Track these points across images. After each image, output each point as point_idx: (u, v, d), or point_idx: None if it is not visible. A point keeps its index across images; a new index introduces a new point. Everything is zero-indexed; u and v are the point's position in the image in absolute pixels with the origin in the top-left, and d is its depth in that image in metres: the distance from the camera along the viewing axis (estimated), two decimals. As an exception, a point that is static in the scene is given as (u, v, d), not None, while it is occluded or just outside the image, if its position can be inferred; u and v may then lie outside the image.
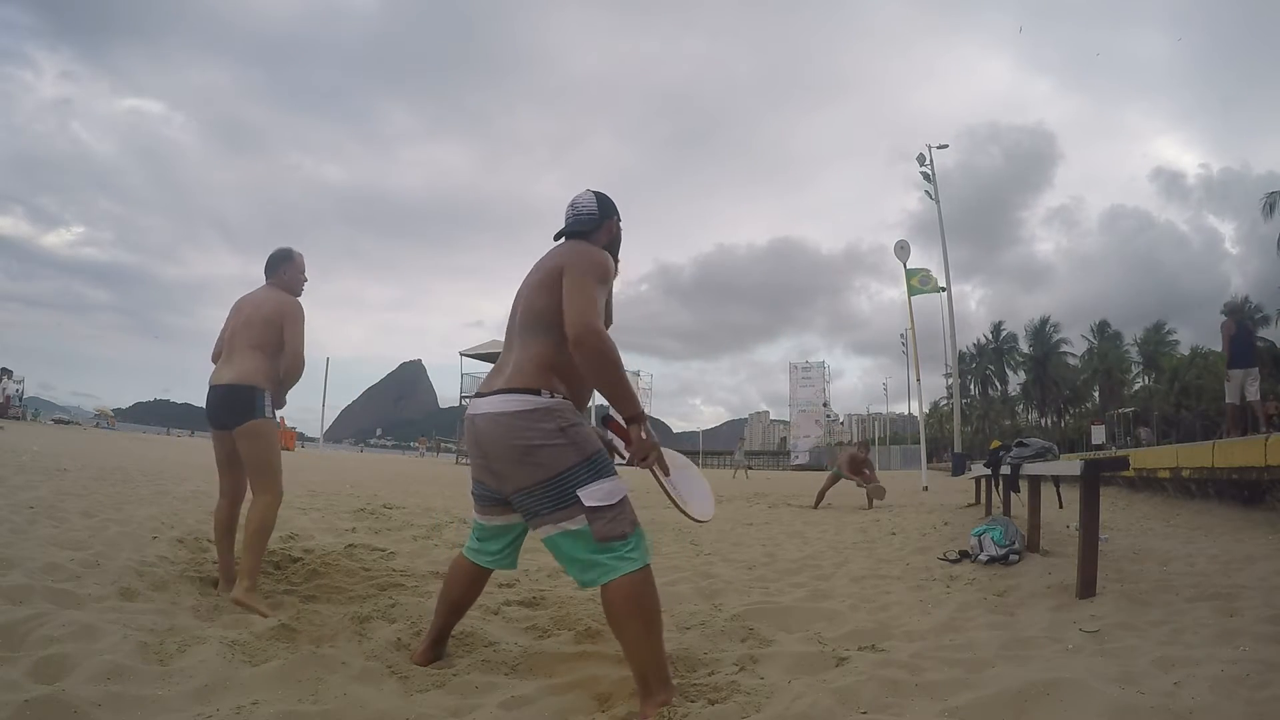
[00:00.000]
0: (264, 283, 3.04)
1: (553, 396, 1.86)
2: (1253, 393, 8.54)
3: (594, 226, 2.11)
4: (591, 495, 1.79)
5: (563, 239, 2.11)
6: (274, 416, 2.86)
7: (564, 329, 1.83)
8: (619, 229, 2.18)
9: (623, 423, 1.90)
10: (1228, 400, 8.78)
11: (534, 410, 1.83)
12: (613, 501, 1.81)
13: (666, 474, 1.94)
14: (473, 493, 2.07)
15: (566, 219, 2.13)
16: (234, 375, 2.79)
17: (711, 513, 2.11)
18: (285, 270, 3.05)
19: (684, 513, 1.96)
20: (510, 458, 1.84)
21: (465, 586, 2.16)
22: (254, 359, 2.83)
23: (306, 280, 3.12)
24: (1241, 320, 9.42)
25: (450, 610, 2.17)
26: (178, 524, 4.05)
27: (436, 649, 2.15)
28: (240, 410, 2.77)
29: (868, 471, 9.35)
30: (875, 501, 8.85)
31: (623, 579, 1.75)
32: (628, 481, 1.89)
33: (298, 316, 2.92)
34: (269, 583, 3.02)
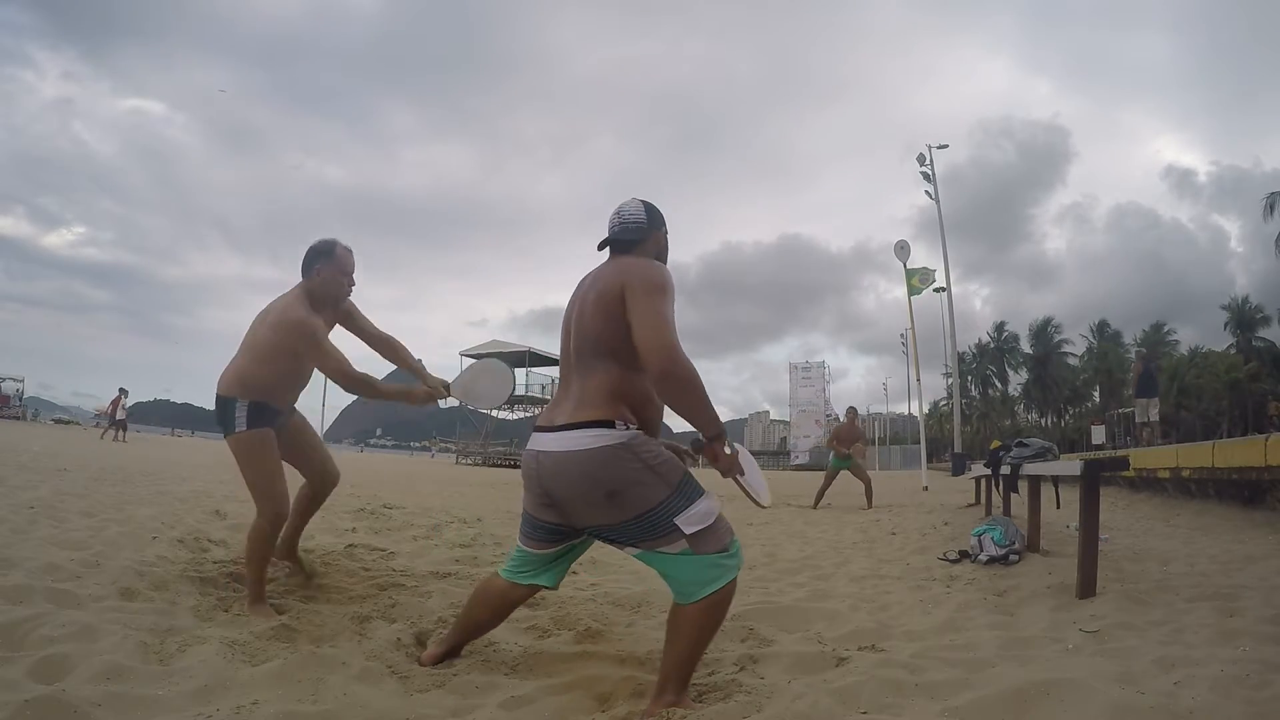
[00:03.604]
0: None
1: (627, 428, 1.76)
2: (1153, 415, 12.85)
3: (642, 238, 1.97)
4: (690, 521, 1.73)
5: (606, 249, 2.00)
6: (254, 426, 2.51)
7: (629, 354, 1.74)
8: (666, 241, 2.05)
9: (707, 442, 1.81)
10: (1137, 420, 13.25)
11: (613, 446, 1.73)
12: (711, 521, 1.76)
13: (743, 474, 1.91)
14: (526, 529, 1.96)
15: (611, 227, 1.99)
16: (218, 383, 2.54)
17: (769, 498, 2.11)
18: (321, 269, 2.50)
19: (757, 504, 2.00)
20: (589, 498, 1.75)
21: (495, 610, 2.08)
22: (237, 364, 2.52)
23: (353, 285, 2.59)
24: (1147, 363, 15.41)
25: (474, 630, 2.12)
26: (178, 524, 4.04)
27: (440, 661, 2.10)
28: (220, 423, 2.53)
29: (860, 444, 9.37)
30: (874, 502, 8.85)
31: (726, 590, 1.74)
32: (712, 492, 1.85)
33: (307, 341, 2.41)
34: (268, 583, 3.02)
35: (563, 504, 1.81)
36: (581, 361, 1.84)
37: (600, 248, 2.01)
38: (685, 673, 1.76)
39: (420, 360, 2.83)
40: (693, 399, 1.69)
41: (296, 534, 2.96)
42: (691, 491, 1.77)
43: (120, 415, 20.08)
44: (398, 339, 2.78)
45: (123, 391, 21.04)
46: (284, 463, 2.64)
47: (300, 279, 2.55)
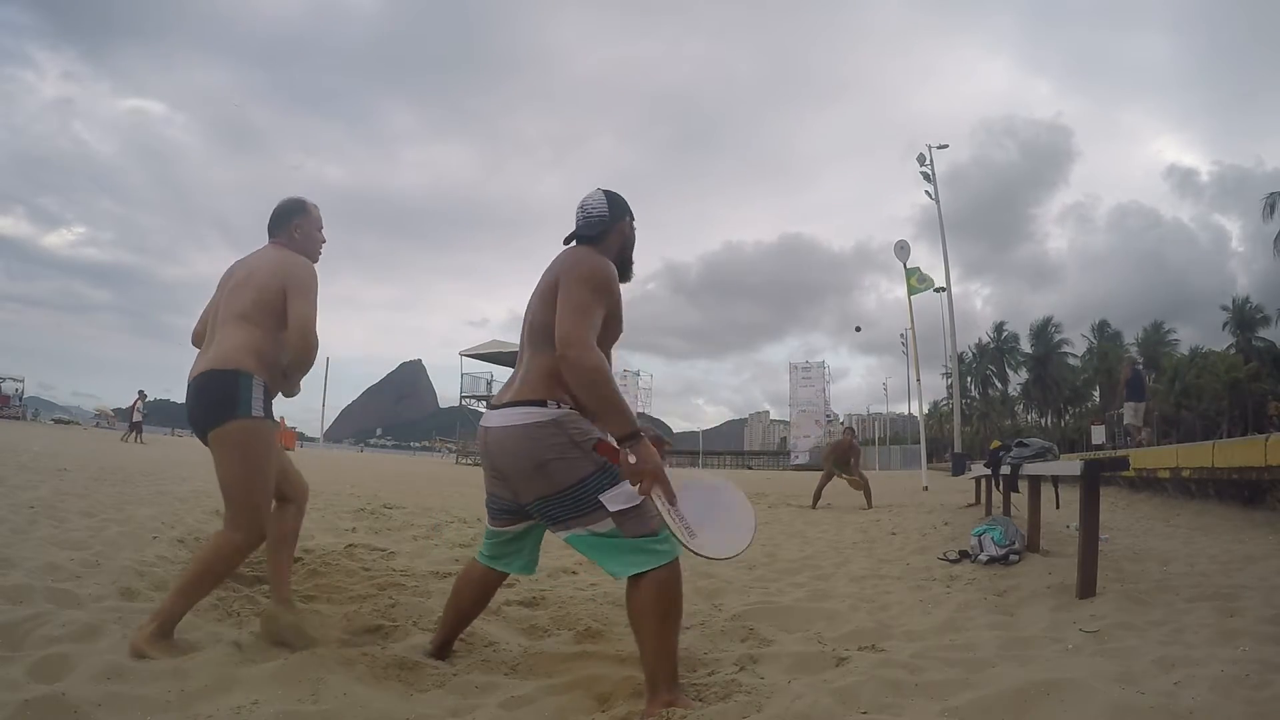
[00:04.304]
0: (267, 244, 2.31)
1: (559, 407, 1.84)
2: (1140, 418, 13.48)
3: (604, 229, 2.01)
4: (614, 499, 1.79)
5: (572, 242, 2.04)
6: (266, 414, 2.10)
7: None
8: (632, 230, 2.08)
9: (614, 444, 1.78)
10: (1127, 421, 13.88)
11: (543, 423, 1.82)
12: (636, 502, 1.79)
13: (672, 501, 1.74)
14: (487, 505, 2.06)
15: (576, 221, 2.03)
16: (211, 358, 2.07)
17: (731, 550, 1.80)
18: (300, 225, 2.32)
19: (684, 545, 1.70)
20: (523, 471, 1.84)
21: (476, 594, 2.15)
22: (240, 334, 2.09)
23: (325, 240, 2.42)
24: (1135, 367, 15.12)
25: (458, 618, 2.16)
26: (178, 524, 4.05)
27: (441, 653, 2.14)
28: (217, 404, 2.03)
29: (853, 461, 9.36)
30: (873, 502, 8.85)
31: (653, 573, 1.75)
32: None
33: (308, 281, 2.18)
34: (268, 583, 3.02)
35: (506, 477, 1.90)
36: (529, 347, 1.95)
37: (566, 242, 2.06)
38: (667, 667, 1.75)
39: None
40: (596, 393, 1.75)
41: (289, 567, 2.46)
42: (617, 472, 1.80)
43: (137, 417, 20.31)
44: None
45: (141, 394, 21.31)
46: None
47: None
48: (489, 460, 1.94)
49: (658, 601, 1.75)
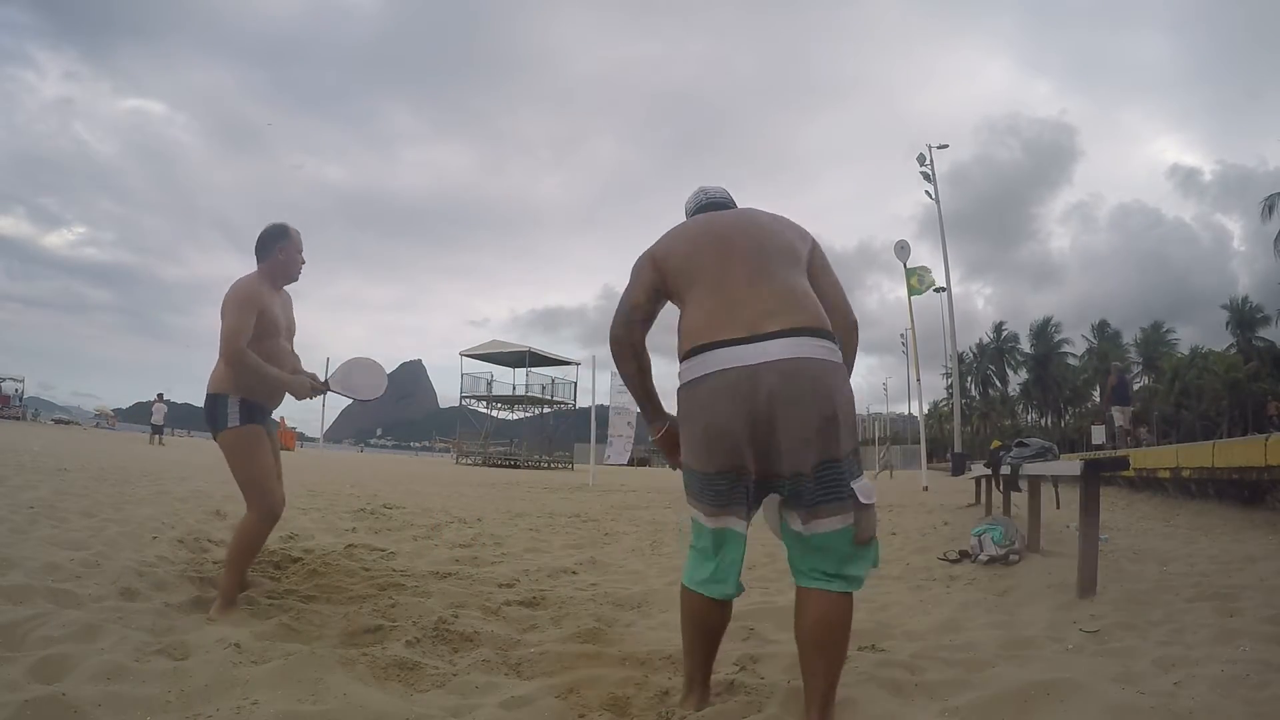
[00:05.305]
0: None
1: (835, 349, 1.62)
2: (1125, 421, 13.95)
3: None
4: (864, 491, 1.56)
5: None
6: (245, 421, 2.51)
7: (805, 275, 1.72)
8: None
9: None
10: (1116, 424, 14.13)
11: (839, 365, 1.58)
12: (874, 500, 1.60)
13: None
14: (720, 495, 1.62)
15: (706, 195, 2.01)
16: (209, 382, 2.53)
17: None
18: (283, 249, 2.58)
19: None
20: (813, 422, 1.50)
21: (721, 623, 1.75)
22: (219, 361, 2.49)
23: (304, 262, 2.66)
24: (1121, 374, 15.48)
25: (711, 647, 1.77)
26: (178, 524, 4.05)
27: (704, 696, 1.77)
28: (210, 422, 2.52)
29: None
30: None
31: (852, 593, 1.59)
32: None
33: (228, 301, 2.43)
34: (269, 583, 3.02)
35: (773, 433, 1.52)
36: (780, 264, 1.67)
37: (701, 210, 1.99)
38: (832, 691, 1.60)
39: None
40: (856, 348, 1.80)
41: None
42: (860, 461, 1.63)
43: (158, 420, 20.85)
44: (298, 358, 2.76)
45: (159, 397, 21.85)
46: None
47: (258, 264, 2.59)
48: (755, 406, 1.51)
49: (847, 620, 1.57)
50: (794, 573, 1.65)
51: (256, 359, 2.46)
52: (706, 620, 1.71)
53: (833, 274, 1.80)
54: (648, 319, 1.77)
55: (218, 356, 2.49)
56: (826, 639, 1.55)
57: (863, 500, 1.57)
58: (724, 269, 1.66)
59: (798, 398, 1.50)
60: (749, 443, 1.55)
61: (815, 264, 1.78)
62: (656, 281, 1.75)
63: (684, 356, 1.64)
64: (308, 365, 2.80)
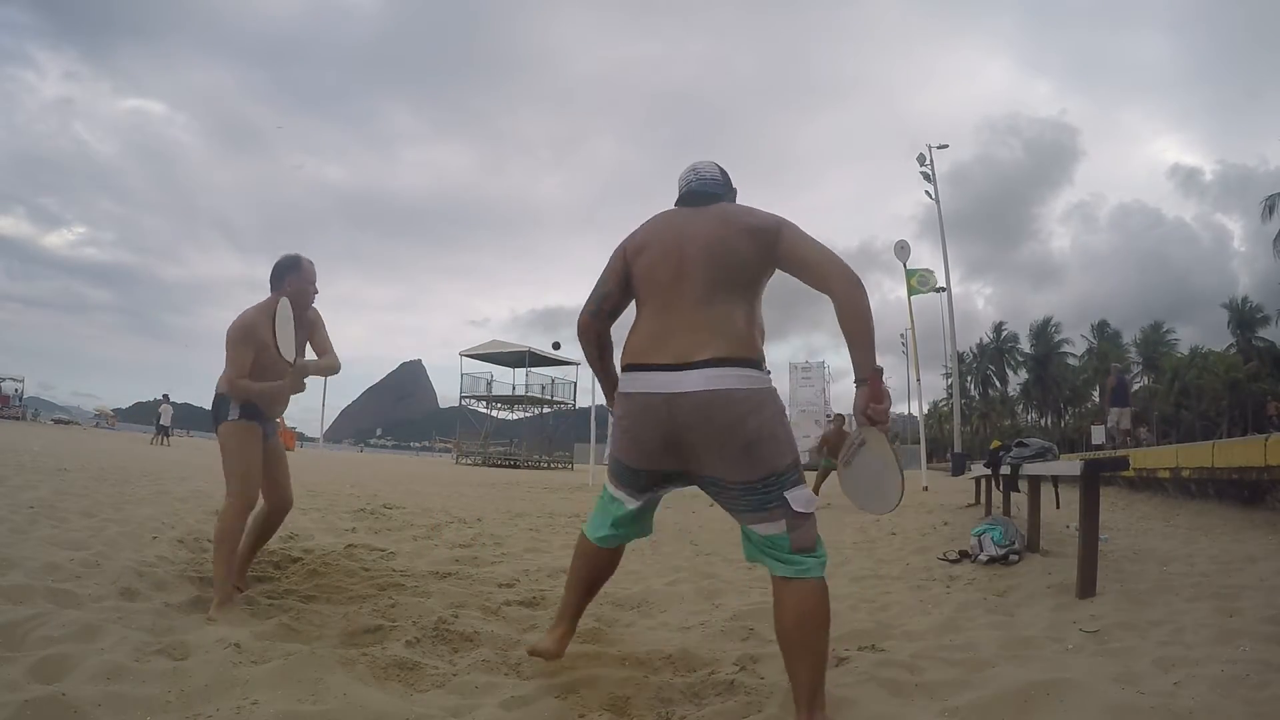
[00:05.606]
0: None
1: (768, 373, 1.70)
2: (1124, 423, 13.75)
3: (721, 193, 1.95)
4: (797, 500, 1.64)
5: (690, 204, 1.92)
6: (242, 418, 2.68)
7: (758, 293, 1.76)
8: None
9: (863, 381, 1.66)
10: (1113, 425, 14.06)
11: (763, 390, 1.65)
12: (811, 510, 1.67)
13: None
14: (628, 480, 1.84)
15: (688, 182, 1.96)
16: (218, 383, 2.74)
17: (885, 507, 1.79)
18: (292, 280, 2.74)
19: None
20: (726, 446, 1.62)
21: (606, 568, 2.01)
22: (225, 372, 2.71)
23: (317, 291, 2.83)
24: (1120, 375, 15.46)
25: (587, 591, 2.03)
26: (178, 524, 4.05)
27: (569, 626, 2.02)
28: (214, 416, 2.72)
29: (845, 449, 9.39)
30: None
31: (818, 581, 1.64)
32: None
33: (228, 338, 2.65)
34: (269, 583, 3.02)
35: (694, 448, 1.67)
36: (719, 290, 1.72)
37: (684, 203, 1.95)
38: (823, 681, 1.63)
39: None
40: (868, 325, 1.63)
41: (249, 557, 2.89)
42: (800, 470, 1.70)
43: (164, 420, 21.11)
44: (334, 358, 2.88)
45: (166, 398, 22.12)
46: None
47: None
48: (669, 432, 1.67)
49: (823, 612, 1.62)
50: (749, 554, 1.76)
51: (256, 387, 2.66)
52: (592, 560, 1.97)
53: (812, 246, 1.72)
54: (616, 309, 1.92)
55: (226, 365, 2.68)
56: (797, 633, 1.61)
57: (797, 509, 1.65)
58: (674, 289, 1.76)
59: (706, 427, 1.64)
60: (666, 454, 1.73)
61: (788, 250, 1.73)
62: (627, 272, 1.88)
63: (622, 368, 1.81)
64: None
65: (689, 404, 1.64)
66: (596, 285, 1.92)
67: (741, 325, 1.70)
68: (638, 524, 1.94)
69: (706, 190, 1.95)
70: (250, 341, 2.64)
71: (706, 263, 1.74)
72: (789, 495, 1.64)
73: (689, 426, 1.65)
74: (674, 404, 1.65)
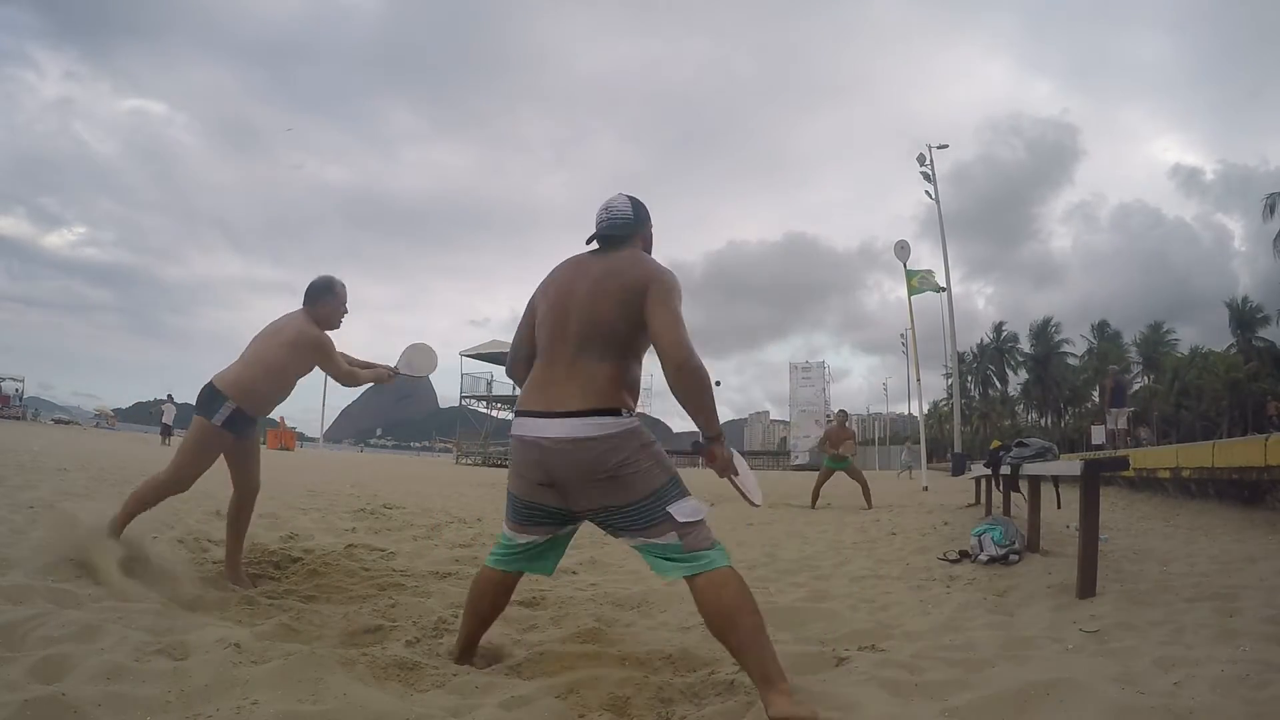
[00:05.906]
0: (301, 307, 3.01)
1: (630, 415, 1.87)
2: (1121, 423, 14.30)
3: (631, 232, 2.06)
4: (682, 512, 1.81)
5: (594, 245, 2.06)
6: (224, 427, 2.81)
7: (637, 347, 1.90)
8: (652, 235, 2.15)
9: (707, 442, 1.96)
10: (1109, 426, 14.60)
11: (620, 433, 1.83)
12: (699, 518, 1.83)
13: (738, 474, 2.05)
14: (518, 515, 2.01)
15: (600, 222, 2.07)
16: (219, 378, 2.85)
17: (761, 497, 2.20)
18: (326, 302, 3.00)
19: (750, 502, 2.11)
20: (594, 481, 1.83)
21: (497, 598, 2.12)
22: (246, 373, 2.86)
23: (347, 312, 3.09)
24: (1118, 377, 16.75)
25: (480, 624, 2.14)
26: (178, 524, 4.04)
27: (465, 657, 2.13)
28: (200, 405, 2.83)
29: (849, 442, 9.51)
30: (873, 502, 8.85)
31: (724, 569, 1.77)
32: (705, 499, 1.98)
33: (321, 350, 2.93)
34: (269, 583, 3.02)
35: (564, 486, 1.87)
36: (587, 349, 1.89)
37: (588, 242, 2.08)
38: (773, 659, 1.70)
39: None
40: (706, 399, 1.83)
41: (236, 549, 3.06)
42: (683, 485, 1.87)
43: (168, 420, 21.08)
44: (355, 359, 3.22)
45: (170, 398, 22.27)
46: (225, 462, 3.00)
47: (304, 306, 3.01)
48: (543, 471, 1.87)
49: (740, 594, 1.74)
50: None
51: (358, 372, 3.08)
52: (485, 589, 2.10)
53: (662, 318, 1.84)
54: (532, 354, 2.05)
55: (236, 361, 2.90)
56: (719, 619, 1.73)
57: (681, 519, 1.81)
58: (556, 343, 1.95)
59: (571, 468, 1.84)
60: (546, 490, 1.91)
61: (647, 314, 1.86)
62: (534, 320, 2.06)
63: (514, 412, 2.01)
64: None
65: (555, 447, 1.84)
66: (517, 330, 2.11)
67: (603, 382, 1.87)
68: (528, 559, 2.07)
69: (614, 233, 2.05)
70: (334, 348, 2.99)
71: (580, 322, 1.92)
72: (672, 509, 1.81)
73: (557, 466, 1.85)
74: (543, 447, 1.85)
